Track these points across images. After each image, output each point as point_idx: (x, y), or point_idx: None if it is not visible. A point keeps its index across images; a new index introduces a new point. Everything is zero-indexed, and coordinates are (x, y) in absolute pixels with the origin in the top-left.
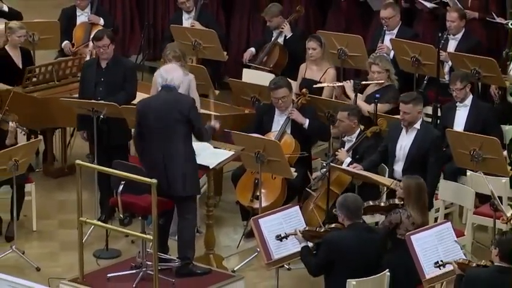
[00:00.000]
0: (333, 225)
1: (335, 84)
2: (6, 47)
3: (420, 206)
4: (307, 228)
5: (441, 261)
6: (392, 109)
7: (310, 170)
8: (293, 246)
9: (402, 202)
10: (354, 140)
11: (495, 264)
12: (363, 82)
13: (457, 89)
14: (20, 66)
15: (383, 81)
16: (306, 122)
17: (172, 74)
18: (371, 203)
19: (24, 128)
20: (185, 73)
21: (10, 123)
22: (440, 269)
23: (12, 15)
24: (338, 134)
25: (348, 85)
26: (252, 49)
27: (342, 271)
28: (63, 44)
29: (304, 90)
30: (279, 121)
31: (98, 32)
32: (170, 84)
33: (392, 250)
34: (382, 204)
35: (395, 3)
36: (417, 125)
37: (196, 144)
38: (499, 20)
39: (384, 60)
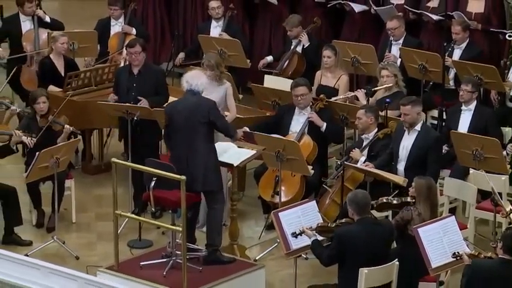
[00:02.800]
0: (343, 220)
1: (348, 95)
2: (51, 55)
3: (430, 204)
4: (320, 224)
5: (458, 252)
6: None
7: (325, 173)
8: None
9: (413, 200)
10: (371, 138)
11: (499, 256)
12: (374, 88)
13: (466, 90)
14: (62, 74)
15: (391, 85)
16: (324, 126)
17: (196, 80)
18: (384, 200)
19: (78, 130)
20: (221, 82)
21: (66, 125)
22: (457, 259)
23: (55, 25)
24: (359, 132)
25: (361, 94)
26: (268, 57)
27: (353, 262)
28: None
29: (322, 96)
30: (298, 120)
31: (132, 40)
32: (194, 89)
33: (401, 245)
34: (395, 201)
35: (400, 16)
36: (418, 127)
37: (222, 144)
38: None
39: (393, 66)
